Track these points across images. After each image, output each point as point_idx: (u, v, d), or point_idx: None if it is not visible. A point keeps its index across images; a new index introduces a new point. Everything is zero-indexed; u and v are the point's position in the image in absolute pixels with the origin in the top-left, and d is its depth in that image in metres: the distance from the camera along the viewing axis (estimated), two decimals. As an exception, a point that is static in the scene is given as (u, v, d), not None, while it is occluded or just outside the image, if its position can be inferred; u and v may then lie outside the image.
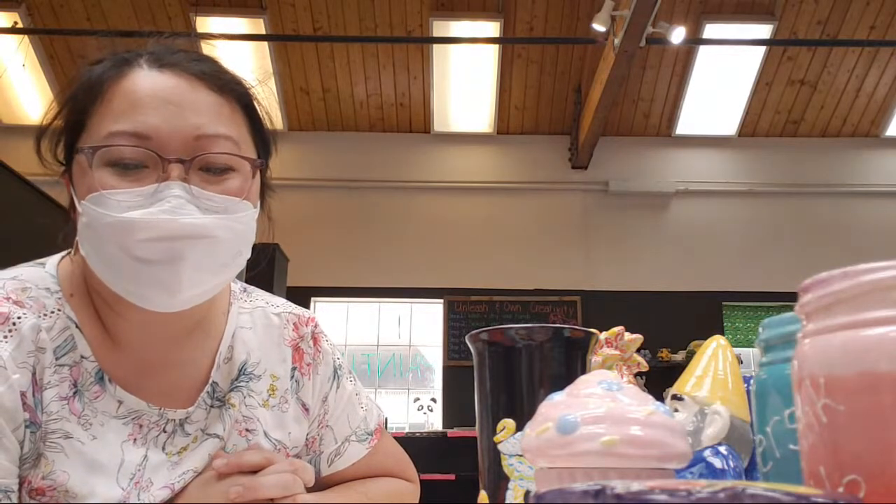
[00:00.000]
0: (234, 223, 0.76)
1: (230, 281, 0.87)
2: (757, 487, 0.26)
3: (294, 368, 0.92)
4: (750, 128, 7.06)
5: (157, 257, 0.71)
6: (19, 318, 0.73)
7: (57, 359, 0.75)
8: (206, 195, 0.74)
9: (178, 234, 0.71)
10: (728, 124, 7.04)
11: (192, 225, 0.72)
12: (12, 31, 6.07)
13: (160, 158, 0.72)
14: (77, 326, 0.77)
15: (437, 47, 6.47)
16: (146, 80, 0.75)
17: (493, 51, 6.48)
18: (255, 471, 0.78)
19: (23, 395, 0.71)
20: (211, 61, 0.80)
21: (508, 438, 0.59)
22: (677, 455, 0.44)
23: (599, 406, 0.44)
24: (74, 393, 0.75)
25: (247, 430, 0.86)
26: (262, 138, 0.84)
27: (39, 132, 0.79)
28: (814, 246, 6.68)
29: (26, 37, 6.23)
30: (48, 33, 6.30)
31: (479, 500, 0.60)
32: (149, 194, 0.72)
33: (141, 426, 0.79)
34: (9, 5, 6.16)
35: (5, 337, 0.72)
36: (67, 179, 0.78)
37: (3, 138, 6.25)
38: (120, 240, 0.71)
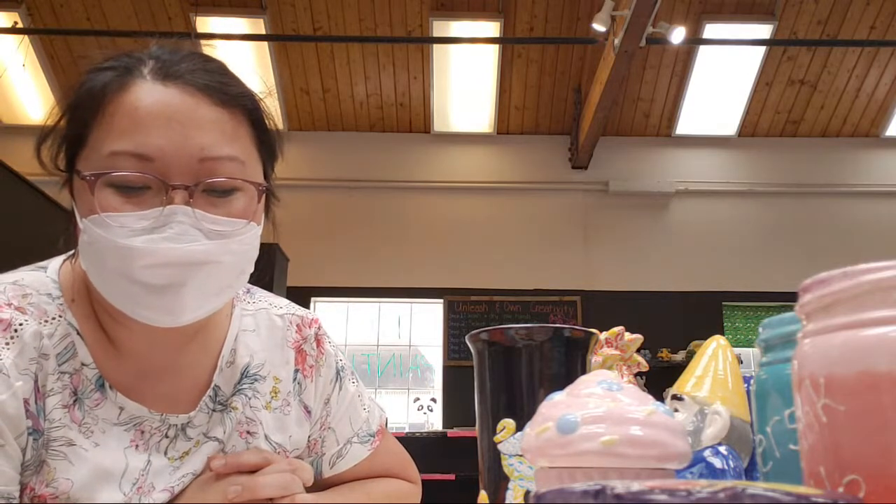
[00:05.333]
0: (238, 246, 0.74)
1: (233, 296, 0.87)
2: (757, 487, 0.26)
3: (297, 370, 0.92)
4: (750, 128, 7.06)
5: (159, 282, 0.70)
6: (21, 324, 0.73)
7: (59, 365, 0.75)
8: (210, 219, 0.72)
9: (182, 261, 0.70)
10: (728, 124, 7.04)
11: (196, 252, 0.71)
12: (12, 31, 6.07)
13: (164, 184, 0.71)
14: (78, 333, 0.77)
15: (437, 47, 6.47)
16: (149, 96, 0.72)
17: (493, 51, 6.48)
18: (253, 471, 0.78)
19: (25, 402, 0.71)
20: (217, 71, 0.77)
21: (508, 438, 0.58)
22: (677, 455, 0.43)
23: (599, 406, 0.44)
24: (75, 401, 0.75)
25: (248, 432, 0.85)
26: (269, 149, 0.82)
27: (39, 139, 0.77)
28: (814, 246, 6.67)
29: (26, 37, 6.22)
30: (48, 33, 6.29)
31: (479, 500, 0.60)
32: (153, 218, 0.70)
33: (143, 432, 0.79)
34: (9, 5, 6.15)
35: (7, 344, 0.71)
36: (69, 189, 0.76)
37: (3, 138, 6.25)
38: (121, 265, 0.70)
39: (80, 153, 0.74)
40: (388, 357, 6.74)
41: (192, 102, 0.73)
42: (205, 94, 0.74)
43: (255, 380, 0.88)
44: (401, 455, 1.03)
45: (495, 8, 6.30)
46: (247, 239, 0.76)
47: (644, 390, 0.49)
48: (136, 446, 0.78)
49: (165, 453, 0.80)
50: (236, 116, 0.76)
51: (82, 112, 0.74)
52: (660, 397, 0.56)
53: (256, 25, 6.31)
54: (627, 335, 0.82)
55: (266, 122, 0.81)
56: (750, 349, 6.45)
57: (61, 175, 0.77)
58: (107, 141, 0.71)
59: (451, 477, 5.30)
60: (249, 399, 0.87)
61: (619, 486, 0.28)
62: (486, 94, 6.80)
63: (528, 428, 0.47)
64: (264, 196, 0.79)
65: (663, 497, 0.26)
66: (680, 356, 6.10)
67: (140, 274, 0.69)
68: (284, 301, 0.97)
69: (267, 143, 0.82)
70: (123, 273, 0.70)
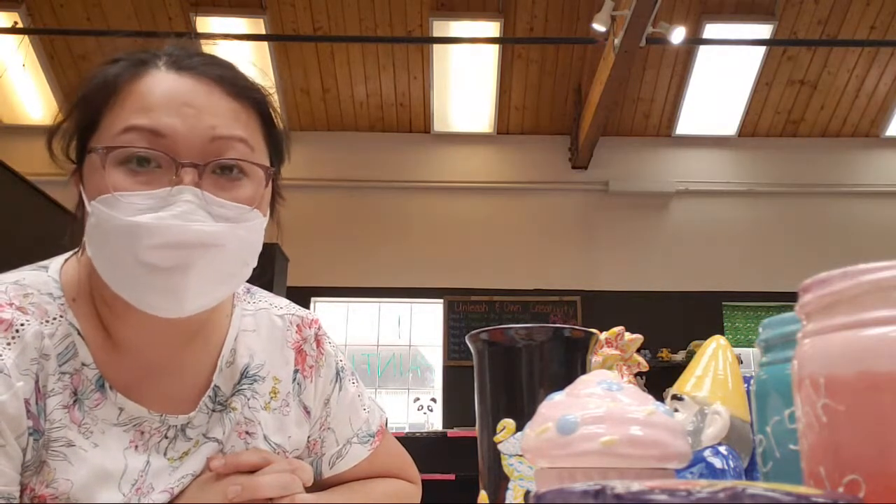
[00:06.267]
0: (244, 232, 0.75)
1: (236, 289, 0.87)
2: (757, 487, 0.26)
3: (296, 371, 0.92)
4: (750, 128, 7.06)
5: (164, 264, 0.70)
6: (22, 324, 0.72)
7: (59, 366, 0.75)
8: (217, 202, 0.73)
9: (188, 242, 0.70)
10: (728, 124, 7.04)
11: (202, 232, 0.71)
12: (12, 31, 6.07)
13: (174, 161, 0.72)
14: (79, 333, 0.77)
15: (437, 47, 6.47)
16: (163, 82, 0.74)
17: (493, 51, 6.48)
18: (253, 471, 0.78)
19: (26, 402, 0.71)
20: (229, 66, 0.80)
21: (508, 438, 0.58)
22: (677, 455, 0.43)
23: (599, 406, 0.44)
24: (75, 401, 0.75)
25: (247, 432, 0.85)
26: (276, 145, 0.83)
27: (51, 130, 0.77)
28: (814, 246, 6.67)
29: (26, 37, 6.22)
30: (48, 33, 6.29)
31: (479, 500, 0.60)
32: (160, 198, 0.71)
33: (142, 433, 0.79)
34: (9, 5, 6.15)
35: (9, 344, 0.71)
36: (77, 178, 0.77)
37: (3, 138, 6.26)
38: (128, 243, 0.70)
39: (91, 138, 0.75)
40: (388, 357, 6.74)
41: (204, 90, 0.75)
42: (218, 84, 0.76)
43: (255, 380, 0.88)
44: (401, 455, 1.03)
45: (495, 8, 6.30)
46: (252, 227, 0.76)
47: (644, 390, 0.49)
48: (136, 447, 0.78)
49: (165, 454, 0.80)
50: (247, 109, 0.78)
51: (95, 99, 0.75)
52: (660, 397, 0.56)
53: (256, 25, 6.32)
54: (627, 335, 0.82)
55: (274, 118, 0.83)
56: (750, 349, 6.45)
57: (71, 165, 0.78)
58: (119, 120, 0.73)
59: (451, 477, 5.30)
60: (248, 399, 0.86)
61: (619, 486, 0.28)
62: (486, 94, 6.80)
63: (528, 428, 0.47)
64: (270, 189, 0.80)
65: (663, 497, 0.26)
66: (680, 356, 6.10)
67: (145, 254, 0.70)
68: (284, 301, 0.97)
69: (275, 139, 0.83)
70: (129, 251, 0.70)
